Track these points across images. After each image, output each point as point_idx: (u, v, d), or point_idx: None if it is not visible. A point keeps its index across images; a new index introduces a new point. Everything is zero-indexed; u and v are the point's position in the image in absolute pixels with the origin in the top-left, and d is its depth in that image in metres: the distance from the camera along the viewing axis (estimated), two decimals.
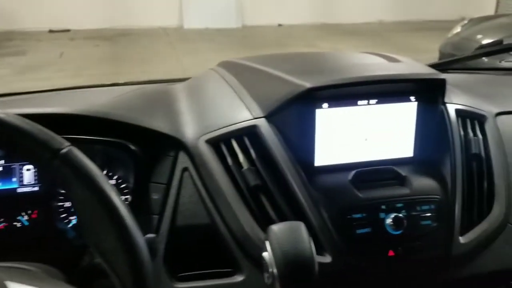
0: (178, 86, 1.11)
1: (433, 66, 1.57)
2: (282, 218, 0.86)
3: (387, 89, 0.95)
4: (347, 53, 1.08)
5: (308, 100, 0.90)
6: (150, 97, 1.05)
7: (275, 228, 0.71)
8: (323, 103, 0.92)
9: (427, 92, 0.97)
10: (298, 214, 0.87)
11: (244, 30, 9.03)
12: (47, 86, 1.18)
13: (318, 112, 0.92)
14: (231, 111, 0.94)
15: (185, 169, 0.91)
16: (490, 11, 8.05)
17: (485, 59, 1.92)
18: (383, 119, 0.96)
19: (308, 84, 0.88)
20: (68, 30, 8.56)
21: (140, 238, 0.58)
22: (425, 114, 0.98)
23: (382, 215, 0.89)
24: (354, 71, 0.94)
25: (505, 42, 1.55)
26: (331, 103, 0.92)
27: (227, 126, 0.92)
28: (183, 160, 0.92)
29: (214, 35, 8.40)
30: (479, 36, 4.19)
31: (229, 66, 1.12)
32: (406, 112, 0.97)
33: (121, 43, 7.71)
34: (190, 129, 0.94)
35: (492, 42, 1.60)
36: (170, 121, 0.95)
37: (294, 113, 0.91)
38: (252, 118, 0.92)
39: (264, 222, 0.85)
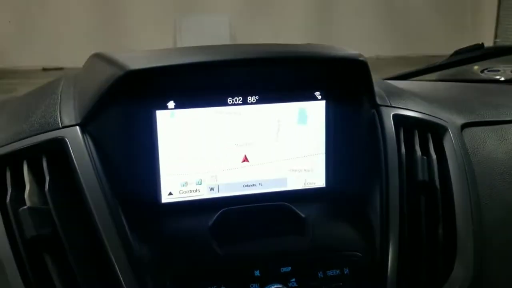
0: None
1: (399, 77, 1.24)
2: None
3: (275, 80, 0.60)
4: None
5: (141, 94, 0.56)
6: None
7: None
8: (167, 101, 0.57)
9: (342, 86, 0.62)
10: (105, 287, 0.51)
11: None
12: None
13: (159, 115, 0.57)
14: (37, 119, 0.60)
15: None
16: (489, 43, 7.80)
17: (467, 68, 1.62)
18: (272, 127, 0.60)
19: (131, 66, 0.53)
20: (61, 68, 8.47)
21: None
22: (340, 120, 0.62)
23: (254, 287, 0.52)
24: (225, 51, 0.60)
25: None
26: (181, 100, 0.57)
27: (16, 141, 0.57)
28: None
29: None
30: (476, 67, 3.86)
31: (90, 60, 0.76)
32: (310, 117, 0.61)
33: None
34: None
35: (471, 46, 1.26)
36: None
37: (121, 117, 0.56)
38: (59, 127, 0.57)
39: None
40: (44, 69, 8.44)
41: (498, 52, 1.30)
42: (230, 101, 0.58)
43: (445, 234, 0.61)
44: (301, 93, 0.60)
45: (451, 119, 0.72)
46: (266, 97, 0.59)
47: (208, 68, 0.54)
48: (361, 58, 0.58)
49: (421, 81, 1.09)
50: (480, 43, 1.29)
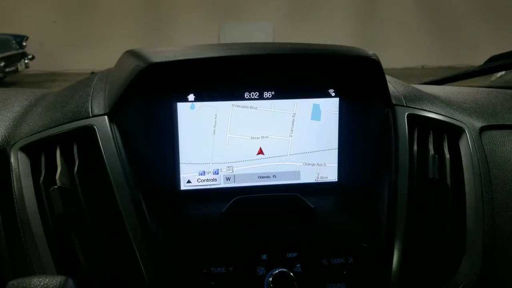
0: None
1: (432, 82, 1.24)
2: (97, 268, 0.55)
3: (290, 77, 0.63)
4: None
5: (163, 87, 0.60)
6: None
7: (15, 284, 0.42)
8: (187, 94, 0.61)
9: (355, 84, 0.64)
10: (124, 263, 0.55)
11: None
12: None
13: (180, 107, 0.61)
14: (71, 108, 0.65)
15: None
16: None
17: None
18: (286, 122, 0.63)
19: (154, 59, 0.57)
20: None
21: None
22: (353, 117, 0.64)
23: (260, 270, 0.55)
24: (243, 48, 0.63)
25: None
26: (201, 93, 0.61)
27: (51, 128, 0.62)
28: None
29: None
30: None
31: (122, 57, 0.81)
32: (324, 113, 0.64)
33: None
34: (6, 132, 0.65)
35: (507, 52, 1.25)
36: None
37: (144, 108, 0.61)
38: (89, 116, 0.62)
39: (70, 270, 0.55)
40: (93, 73, 8.77)
41: None
42: (247, 96, 0.62)
43: (454, 232, 0.62)
44: (315, 90, 0.63)
45: (470, 122, 0.72)
46: (282, 93, 0.62)
47: (225, 62, 0.58)
48: (372, 57, 0.60)
49: (446, 86, 1.08)
50: None
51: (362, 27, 8.69)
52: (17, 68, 6.05)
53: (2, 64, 5.59)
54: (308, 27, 7.98)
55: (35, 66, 7.17)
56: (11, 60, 5.90)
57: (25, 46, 6.53)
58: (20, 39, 6.34)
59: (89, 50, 8.72)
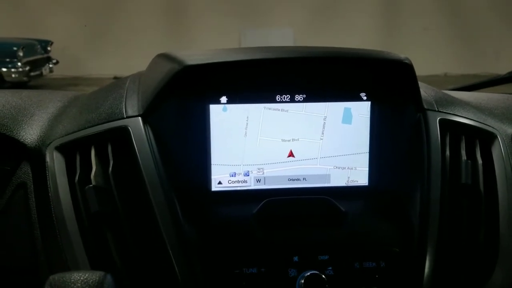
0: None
1: (460, 88, 1.23)
2: (131, 266, 0.56)
3: (321, 80, 0.63)
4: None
5: (196, 89, 0.61)
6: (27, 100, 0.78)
7: (56, 279, 0.43)
8: (220, 96, 0.61)
9: (387, 88, 0.64)
10: (157, 262, 0.56)
11: None
12: None
13: (213, 109, 0.62)
14: (105, 109, 0.66)
15: (20, 186, 0.64)
16: None
17: None
18: (317, 125, 0.63)
19: (189, 61, 0.58)
20: None
21: None
22: (385, 121, 0.64)
23: (292, 272, 0.56)
24: (276, 51, 0.63)
25: None
26: (233, 96, 0.62)
27: (86, 128, 0.64)
28: (22, 174, 0.64)
29: None
30: None
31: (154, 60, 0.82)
32: (355, 117, 0.64)
33: None
34: (41, 132, 0.66)
35: None
36: (15, 121, 0.68)
37: (178, 110, 0.62)
38: (124, 117, 0.63)
39: (103, 267, 0.56)
40: (115, 78, 8.88)
41: None
42: (278, 99, 0.62)
43: (487, 238, 0.61)
44: (347, 93, 0.63)
45: (502, 128, 0.72)
46: (313, 96, 0.62)
47: (259, 65, 0.59)
48: (406, 61, 0.60)
49: (476, 92, 1.07)
50: None
51: (385, 33, 8.62)
52: (41, 73, 6.16)
53: (27, 68, 5.70)
54: (329, 32, 7.94)
55: (59, 71, 7.29)
56: (36, 65, 6.00)
57: (49, 51, 6.64)
58: (45, 44, 6.46)
59: (112, 55, 8.84)
